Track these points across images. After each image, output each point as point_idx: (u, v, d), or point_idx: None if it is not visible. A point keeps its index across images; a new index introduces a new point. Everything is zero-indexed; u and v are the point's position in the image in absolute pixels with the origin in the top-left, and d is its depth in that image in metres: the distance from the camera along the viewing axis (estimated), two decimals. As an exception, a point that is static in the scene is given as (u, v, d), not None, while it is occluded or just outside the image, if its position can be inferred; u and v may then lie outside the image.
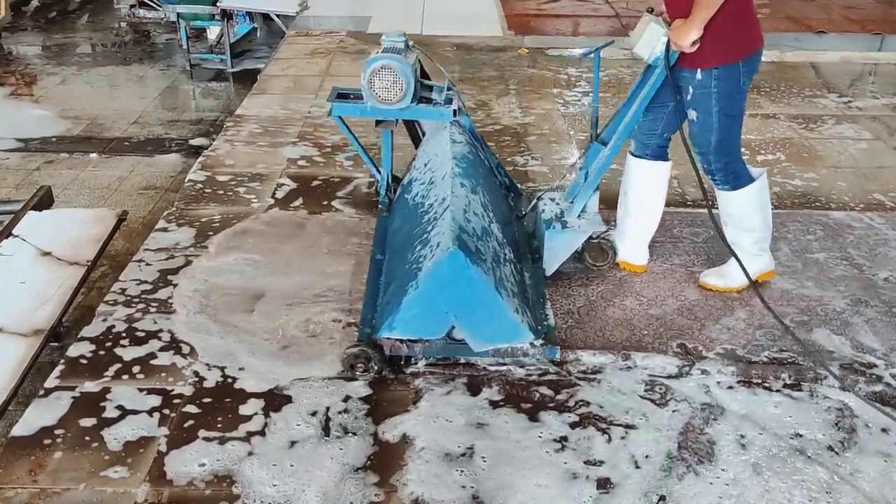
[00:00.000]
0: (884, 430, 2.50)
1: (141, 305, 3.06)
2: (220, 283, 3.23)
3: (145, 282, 3.22)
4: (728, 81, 2.87)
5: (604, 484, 2.26)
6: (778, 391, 2.66)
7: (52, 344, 3.02)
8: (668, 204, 3.89)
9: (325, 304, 3.09)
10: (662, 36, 2.85)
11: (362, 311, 2.85)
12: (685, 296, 3.18)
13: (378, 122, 3.47)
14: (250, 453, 2.34)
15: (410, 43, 3.40)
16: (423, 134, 3.78)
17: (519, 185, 3.83)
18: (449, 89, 3.42)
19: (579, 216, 3.23)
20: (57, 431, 2.40)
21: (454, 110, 3.35)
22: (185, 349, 2.80)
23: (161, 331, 2.90)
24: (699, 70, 2.87)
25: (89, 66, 7.32)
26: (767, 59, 6.66)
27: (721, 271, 3.24)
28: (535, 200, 3.44)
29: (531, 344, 2.70)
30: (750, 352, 2.85)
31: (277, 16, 7.61)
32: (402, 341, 2.67)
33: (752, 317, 3.05)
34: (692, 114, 2.97)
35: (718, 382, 2.69)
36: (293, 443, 2.38)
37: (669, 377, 2.71)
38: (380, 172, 3.67)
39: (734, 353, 2.84)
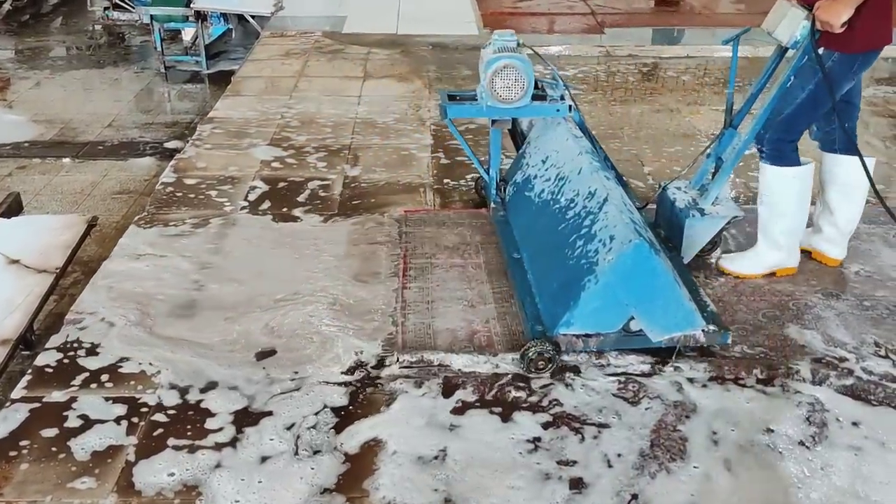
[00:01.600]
0: (854, 423, 2.51)
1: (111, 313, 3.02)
2: (168, 290, 3.19)
3: (112, 289, 3.18)
4: (840, 70, 2.89)
5: (576, 484, 2.26)
6: (750, 387, 2.67)
7: (24, 352, 2.98)
8: (640, 201, 3.93)
9: (293, 306, 3.07)
10: (804, 19, 2.85)
11: (523, 310, 2.85)
12: (659, 293, 3.18)
13: (494, 122, 3.48)
14: (219, 465, 2.31)
15: (520, 41, 3.39)
16: (521, 132, 3.77)
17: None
18: (563, 86, 3.42)
19: (713, 203, 3.23)
20: (23, 442, 2.36)
21: (570, 105, 3.35)
22: (153, 358, 2.77)
23: (133, 339, 2.87)
24: (822, 48, 2.88)
25: (63, 70, 7.25)
26: (740, 54, 6.69)
27: (740, 256, 3.32)
28: (660, 190, 3.46)
29: (703, 331, 2.70)
30: (723, 347, 2.86)
31: (252, 16, 7.57)
32: (577, 336, 2.67)
33: (725, 312, 3.05)
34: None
35: (691, 379, 2.69)
36: (264, 458, 2.34)
37: (642, 375, 2.71)
38: (488, 172, 3.66)
39: (708, 349, 2.85)
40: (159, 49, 7.01)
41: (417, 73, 6.17)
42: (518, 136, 3.82)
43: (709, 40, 6.99)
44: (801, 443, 2.43)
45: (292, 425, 2.45)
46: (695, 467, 2.33)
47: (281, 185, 4.16)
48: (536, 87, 3.39)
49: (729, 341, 2.78)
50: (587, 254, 2.70)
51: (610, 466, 2.33)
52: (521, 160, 3.61)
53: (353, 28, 7.32)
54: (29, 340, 2.99)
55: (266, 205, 3.93)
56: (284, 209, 3.88)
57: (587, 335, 2.69)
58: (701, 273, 3.31)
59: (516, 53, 3.23)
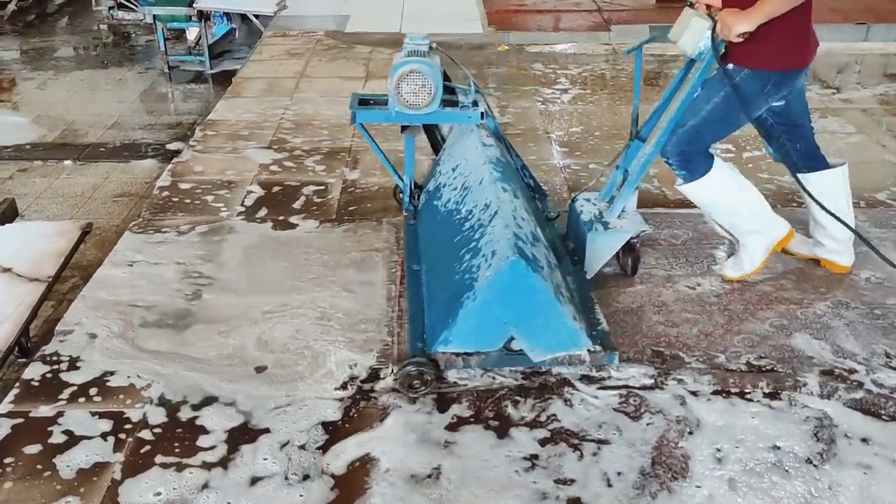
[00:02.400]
0: (864, 440, 2.43)
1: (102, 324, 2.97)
2: (168, 299, 3.14)
3: (112, 299, 3.13)
4: (749, 87, 2.80)
5: (574, 504, 2.19)
6: (756, 401, 2.59)
7: (20, 360, 2.94)
8: (645, 204, 3.85)
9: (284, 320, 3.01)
10: (707, 29, 2.78)
11: (409, 325, 2.77)
12: (662, 301, 3.10)
13: (403, 128, 3.39)
14: (206, 485, 2.25)
15: (433, 45, 3.32)
16: (443, 138, 3.69)
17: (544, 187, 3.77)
18: (475, 91, 3.34)
19: (619, 216, 3.15)
20: (8, 459, 2.31)
21: (482, 112, 3.28)
22: (147, 370, 2.71)
23: (123, 351, 2.82)
24: (732, 64, 2.80)
25: (67, 70, 7.21)
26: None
27: (735, 259, 3.26)
28: (570, 202, 3.38)
29: (589, 350, 2.63)
30: (728, 359, 2.78)
31: (255, 16, 7.50)
32: (457, 355, 2.60)
33: (731, 322, 2.97)
34: (698, 90, 2.91)
35: (695, 393, 2.62)
36: (255, 479, 2.27)
37: (644, 388, 2.63)
38: (402, 179, 3.59)
39: (712, 360, 2.77)
40: (163, 49, 6.96)
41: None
42: (438, 144, 3.74)
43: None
44: (809, 460, 2.35)
45: (287, 443, 2.38)
46: (697, 487, 2.25)
47: (278, 189, 4.10)
48: (451, 92, 3.32)
49: (616, 362, 2.69)
50: (471, 269, 2.61)
51: (609, 485, 2.25)
52: (436, 167, 3.54)
53: (357, 27, 7.24)
54: (25, 348, 2.94)
55: (263, 210, 3.87)
56: (281, 216, 3.82)
57: (468, 353, 2.61)
58: (706, 280, 3.23)
59: (425, 58, 3.13)
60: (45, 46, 8.07)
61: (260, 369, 2.71)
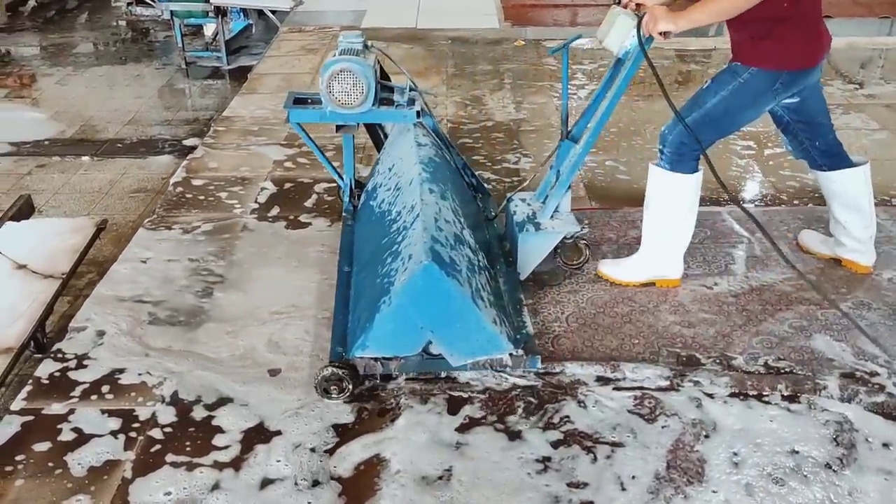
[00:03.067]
0: (885, 444, 2.37)
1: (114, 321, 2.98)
2: (179, 298, 3.14)
3: (125, 296, 3.14)
4: (755, 86, 2.74)
5: (587, 508, 2.16)
6: (775, 404, 2.54)
7: (36, 356, 2.95)
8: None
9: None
10: (633, 28, 2.72)
11: (332, 328, 2.74)
12: (679, 301, 3.06)
13: (339, 128, 3.36)
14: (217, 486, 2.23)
15: (369, 43, 3.28)
16: (386, 136, 3.66)
17: (486, 185, 3.72)
18: (411, 90, 3.30)
19: (552, 217, 3.12)
20: (19, 457, 2.32)
21: (417, 111, 3.23)
22: (157, 368, 2.71)
23: (135, 348, 2.82)
24: (738, 62, 2.75)
25: (86, 66, 7.24)
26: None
27: (619, 262, 3.21)
28: (505, 202, 3.33)
29: (511, 355, 2.60)
30: (745, 360, 2.73)
31: (272, 12, 7.50)
32: (376, 359, 2.57)
33: (749, 323, 2.92)
34: (706, 83, 2.86)
35: (711, 395, 2.57)
36: (266, 482, 2.25)
37: (660, 390, 2.59)
38: (342, 179, 3.55)
39: (729, 362, 2.72)
40: (180, 45, 6.97)
41: (436, 69, 6.06)
42: (381, 143, 3.69)
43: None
44: (828, 465, 2.30)
45: (299, 445, 2.36)
46: (713, 491, 2.21)
47: (292, 186, 4.09)
48: (390, 91, 3.27)
49: (538, 366, 2.64)
50: (390, 273, 2.56)
51: (623, 489, 2.22)
52: (375, 167, 3.50)
53: (373, 22, 7.22)
54: (41, 344, 2.95)
55: (276, 208, 3.86)
56: (294, 214, 3.81)
57: (387, 358, 2.57)
58: (723, 279, 3.18)
59: (357, 57, 3.09)
60: (65, 42, 8.11)
61: (273, 372, 2.70)
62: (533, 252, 3.07)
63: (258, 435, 2.41)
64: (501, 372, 2.63)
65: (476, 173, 3.58)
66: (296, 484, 2.23)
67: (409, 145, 3.19)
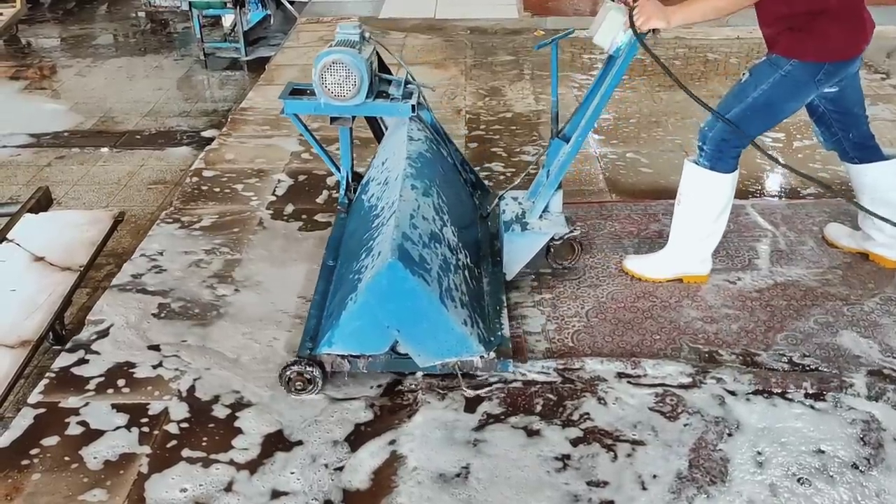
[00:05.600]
0: (914, 444, 2.31)
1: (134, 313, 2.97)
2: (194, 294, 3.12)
3: (141, 290, 3.13)
4: (797, 78, 2.66)
5: (607, 507, 2.12)
6: (799, 402, 2.48)
7: (55, 347, 2.96)
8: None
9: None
10: (623, 24, 2.65)
11: (306, 322, 2.70)
12: (701, 296, 3.00)
13: (333, 120, 3.31)
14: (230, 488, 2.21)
15: (367, 35, 3.22)
16: (386, 129, 3.61)
17: (487, 183, 3.66)
18: (408, 83, 3.25)
19: (541, 216, 3.04)
20: (35, 451, 2.31)
21: (413, 105, 3.17)
22: (173, 361, 2.70)
23: (152, 343, 2.81)
24: (776, 54, 2.68)
25: (105, 57, 7.27)
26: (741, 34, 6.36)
27: (645, 257, 3.15)
28: (496, 200, 3.27)
29: (481, 357, 2.55)
30: (769, 357, 2.67)
31: (290, 2, 7.48)
32: (343, 357, 2.53)
33: (773, 319, 2.86)
34: (744, 76, 2.79)
35: (734, 392, 2.52)
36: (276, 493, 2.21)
37: (681, 387, 2.54)
38: (339, 171, 3.51)
39: (753, 359, 2.67)
40: (198, 36, 6.97)
41: (454, 60, 6.01)
42: (381, 136, 3.64)
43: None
44: (855, 465, 2.24)
45: (315, 458, 2.31)
46: (737, 492, 2.16)
47: (308, 179, 4.07)
48: (388, 83, 3.22)
49: (510, 370, 2.58)
50: (361, 269, 2.51)
51: (644, 489, 2.18)
52: (372, 160, 3.45)
53: (391, 13, 7.17)
54: (60, 336, 2.96)
55: (292, 200, 3.84)
56: (310, 206, 3.79)
57: (354, 356, 2.52)
58: (746, 274, 3.11)
59: (352, 49, 3.03)
60: (84, 34, 8.14)
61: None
62: (519, 252, 2.99)
63: (279, 442, 2.37)
64: (471, 374, 2.57)
65: (488, 166, 3.52)
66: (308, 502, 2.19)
67: (401, 140, 3.13)
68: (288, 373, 2.50)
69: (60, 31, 8.26)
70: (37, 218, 3.51)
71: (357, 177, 3.53)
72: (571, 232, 3.04)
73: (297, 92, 3.27)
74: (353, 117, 3.27)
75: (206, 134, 5.38)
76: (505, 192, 3.29)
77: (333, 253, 3.09)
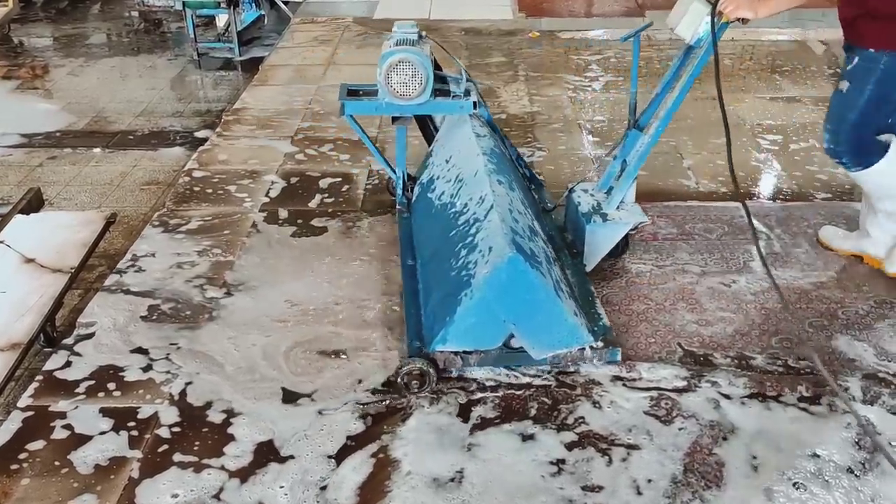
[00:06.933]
0: (909, 449, 2.31)
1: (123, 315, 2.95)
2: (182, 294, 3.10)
3: (133, 292, 3.11)
4: (892, 70, 2.66)
5: (602, 512, 2.11)
6: (793, 405, 2.48)
7: (45, 350, 2.93)
8: (679, 197, 3.74)
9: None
10: (706, 15, 2.65)
11: (405, 322, 2.70)
12: (696, 298, 2.99)
13: (394, 119, 3.31)
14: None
15: (423, 33, 3.23)
16: (436, 129, 3.60)
17: (539, 177, 3.66)
18: (466, 80, 3.24)
19: (618, 207, 3.05)
20: (25, 455, 2.29)
21: (474, 102, 3.17)
22: (163, 364, 2.68)
23: (141, 346, 2.79)
24: (871, 49, 2.67)
25: (98, 57, 7.22)
26: (789, 37, 6.39)
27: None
28: (566, 192, 3.28)
29: (591, 347, 2.55)
30: (764, 360, 2.67)
31: (284, 2, 7.45)
32: (456, 353, 2.52)
33: (768, 321, 2.86)
34: (843, 84, 2.79)
35: (729, 396, 2.51)
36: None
37: (676, 390, 2.53)
38: (395, 171, 3.49)
39: (748, 362, 2.66)
40: (192, 36, 6.94)
41: (448, 61, 5.99)
42: (431, 135, 3.62)
43: (754, 22, 6.66)
44: (850, 470, 2.24)
45: (305, 475, 2.25)
46: (732, 496, 2.15)
47: (302, 180, 4.05)
48: (443, 81, 3.20)
49: (619, 359, 2.59)
50: (467, 265, 2.52)
51: (639, 493, 2.16)
52: (429, 159, 3.44)
53: (385, 13, 7.15)
54: (51, 338, 2.93)
55: (286, 202, 3.82)
56: (304, 207, 3.76)
57: (466, 352, 2.52)
58: (742, 276, 3.10)
59: (415, 47, 3.03)
60: (77, 33, 8.09)
61: (283, 384, 2.63)
62: (600, 243, 3.01)
63: (270, 453, 2.33)
64: (581, 364, 2.59)
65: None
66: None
67: (467, 137, 3.13)
68: (403, 372, 2.49)
69: (53, 30, 8.21)
70: (28, 219, 3.48)
71: (410, 177, 3.52)
72: (648, 221, 3.07)
73: (351, 93, 3.26)
74: (412, 116, 3.27)
75: (200, 134, 5.34)
76: (574, 184, 3.28)
77: (410, 252, 3.08)
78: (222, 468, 2.26)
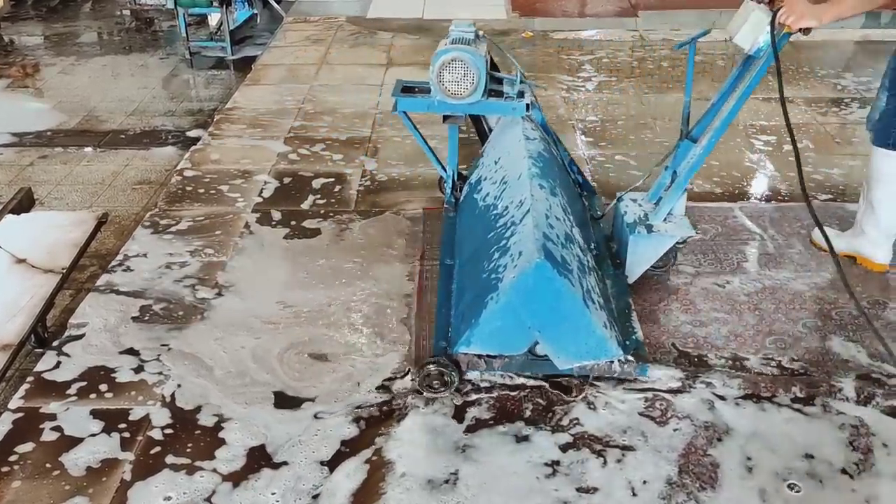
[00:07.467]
0: (902, 449, 2.31)
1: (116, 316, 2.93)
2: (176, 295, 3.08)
3: (124, 292, 3.09)
4: None
5: (597, 513, 2.10)
6: (787, 406, 2.48)
7: (37, 351, 2.91)
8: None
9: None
10: (767, 24, 2.58)
11: (435, 321, 2.68)
12: (690, 299, 2.99)
13: (445, 118, 3.29)
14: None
15: (480, 33, 3.20)
16: (489, 129, 3.57)
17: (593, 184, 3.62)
18: (521, 82, 3.20)
19: (665, 219, 2.99)
20: (16, 457, 2.27)
21: (527, 104, 3.14)
22: (155, 366, 2.66)
23: (132, 346, 2.78)
24: None
25: (89, 56, 7.18)
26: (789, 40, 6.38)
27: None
28: (614, 201, 3.21)
29: (620, 361, 2.52)
30: (759, 362, 2.67)
31: (277, 1, 7.43)
32: (480, 357, 2.50)
33: (762, 322, 2.86)
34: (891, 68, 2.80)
35: (723, 397, 2.51)
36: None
37: (671, 392, 2.53)
38: (445, 170, 3.46)
39: (742, 363, 2.66)
40: (184, 35, 6.90)
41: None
42: (484, 135, 3.60)
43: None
44: (844, 471, 2.24)
45: (298, 481, 2.23)
46: (727, 498, 2.15)
47: (295, 180, 4.03)
48: (498, 82, 3.19)
49: (648, 375, 2.56)
50: (497, 268, 2.49)
51: (634, 495, 2.16)
52: (479, 159, 3.42)
53: (378, 13, 7.14)
54: (42, 339, 2.91)
55: (278, 202, 3.80)
56: (297, 207, 3.75)
57: (490, 356, 2.51)
58: (735, 277, 3.11)
59: (469, 47, 3.00)
60: (68, 32, 8.05)
61: (275, 388, 2.62)
62: (644, 255, 2.95)
63: (263, 458, 2.31)
64: (608, 377, 2.55)
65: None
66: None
67: (517, 139, 3.10)
68: (424, 372, 2.48)
69: (44, 28, 8.16)
70: (19, 219, 3.45)
71: (461, 176, 3.49)
72: (696, 235, 3.00)
73: (406, 90, 3.24)
74: (465, 116, 3.25)
75: (192, 134, 5.32)
76: (623, 193, 3.22)
77: (449, 251, 3.06)
78: (214, 471, 2.25)
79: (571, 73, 5.68)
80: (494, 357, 2.51)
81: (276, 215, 3.68)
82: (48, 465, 2.25)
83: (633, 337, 2.66)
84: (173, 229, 3.55)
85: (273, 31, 7.18)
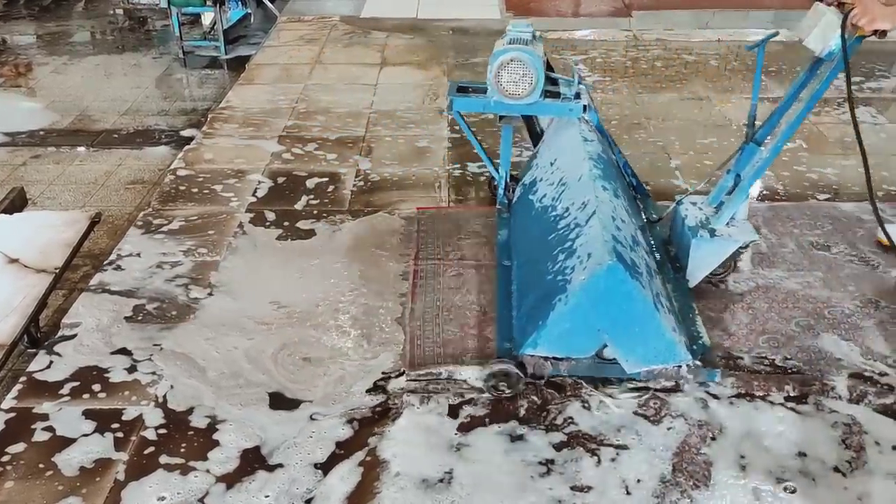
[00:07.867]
0: (895, 447, 2.32)
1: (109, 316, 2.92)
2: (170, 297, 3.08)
3: (117, 292, 3.08)
4: None
5: (591, 512, 2.11)
6: (781, 405, 2.49)
7: (29, 351, 2.90)
8: (667, 197, 3.74)
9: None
10: (839, 27, 2.51)
11: (496, 322, 2.67)
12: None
13: (501, 118, 3.29)
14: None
15: (537, 33, 3.19)
16: (541, 130, 3.56)
17: (647, 187, 3.59)
18: (578, 83, 3.20)
19: (728, 223, 2.95)
20: (9, 458, 2.26)
21: (584, 105, 3.13)
22: (148, 365, 2.66)
23: (125, 346, 2.77)
24: None
25: (82, 55, 7.16)
26: (774, 38, 6.40)
27: None
28: (674, 204, 3.18)
29: (688, 365, 2.50)
30: (752, 360, 2.68)
31: (271, 0, 7.42)
32: (546, 359, 2.48)
33: (755, 321, 2.87)
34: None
35: (717, 396, 2.52)
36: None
37: (665, 390, 2.54)
38: (498, 171, 3.46)
39: (735, 362, 2.67)
40: (177, 34, 6.88)
41: (436, 60, 5.99)
42: (536, 135, 3.61)
43: (740, 23, 6.69)
44: (836, 469, 2.25)
45: (292, 483, 2.23)
46: (721, 496, 2.16)
47: (288, 180, 4.03)
48: (553, 83, 3.19)
49: (717, 380, 2.55)
50: (564, 270, 2.48)
51: (628, 493, 2.17)
52: (533, 160, 3.41)
53: (373, 12, 7.13)
54: (35, 338, 2.90)
55: (272, 202, 3.80)
56: (290, 207, 3.74)
57: (557, 358, 2.49)
58: (729, 276, 3.11)
59: (527, 47, 3.01)
60: (61, 31, 8.02)
61: (270, 389, 2.61)
62: (706, 259, 2.91)
63: (257, 460, 2.30)
64: (675, 382, 2.53)
65: (470, 166, 3.49)
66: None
67: (574, 140, 3.08)
68: (488, 376, 2.47)
69: (36, 27, 8.13)
70: (11, 219, 3.44)
71: (513, 178, 3.48)
72: (759, 240, 2.95)
73: (461, 90, 3.24)
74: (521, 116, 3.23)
75: (185, 133, 5.30)
76: (683, 196, 3.18)
77: (506, 253, 3.04)
78: (208, 471, 2.25)
79: (565, 73, 5.68)
80: (561, 359, 2.49)
81: (270, 215, 3.68)
82: (41, 466, 2.24)
83: (700, 341, 2.63)
84: (166, 229, 3.54)
85: (267, 31, 7.16)
